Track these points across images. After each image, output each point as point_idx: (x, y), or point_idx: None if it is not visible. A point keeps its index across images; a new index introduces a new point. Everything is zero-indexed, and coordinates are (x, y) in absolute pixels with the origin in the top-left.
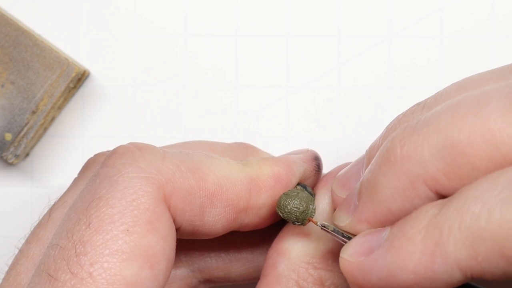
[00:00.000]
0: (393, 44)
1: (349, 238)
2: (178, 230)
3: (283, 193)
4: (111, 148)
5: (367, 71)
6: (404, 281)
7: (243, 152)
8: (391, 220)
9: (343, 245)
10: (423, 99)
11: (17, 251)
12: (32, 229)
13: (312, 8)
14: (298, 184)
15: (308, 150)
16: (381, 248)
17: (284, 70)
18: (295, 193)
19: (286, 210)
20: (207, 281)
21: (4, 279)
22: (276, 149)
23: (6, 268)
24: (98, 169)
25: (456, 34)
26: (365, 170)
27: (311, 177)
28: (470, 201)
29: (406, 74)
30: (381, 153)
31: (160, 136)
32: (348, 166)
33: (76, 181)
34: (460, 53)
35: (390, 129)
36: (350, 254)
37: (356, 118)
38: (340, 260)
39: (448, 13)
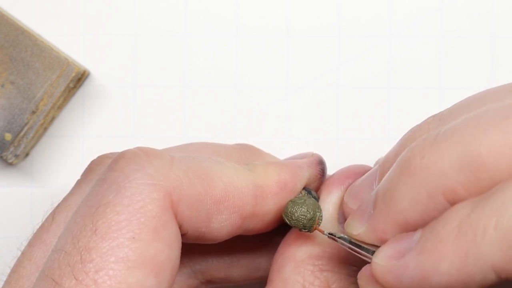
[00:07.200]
0: (393, 44)
1: (359, 247)
2: (183, 236)
3: (290, 200)
4: (111, 148)
5: (367, 71)
6: (436, 283)
7: (246, 154)
8: (407, 230)
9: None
10: (438, 112)
11: (19, 253)
12: (34, 232)
13: (312, 8)
14: (303, 188)
15: (312, 154)
16: (413, 250)
17: (284, 70)
18: (302, 201)
19: (293, 218)
20: (209, 281)
21: (6, 282)
22: (276, 149)
23: (7, 269)
24: (105, 172)
25: (455, 33)
26: (378, 182)
27: (316, 182)
28: (508, 201)
29: (406, 74)
30: (400, 162)
31: (160, 136)
32: (361, 178)
33: (79, 184)
34: (460, 53)
35: (406, 140)
36: (381, 258)
37: (356, 118)
38: (372, 264)
39: (447, 12)
